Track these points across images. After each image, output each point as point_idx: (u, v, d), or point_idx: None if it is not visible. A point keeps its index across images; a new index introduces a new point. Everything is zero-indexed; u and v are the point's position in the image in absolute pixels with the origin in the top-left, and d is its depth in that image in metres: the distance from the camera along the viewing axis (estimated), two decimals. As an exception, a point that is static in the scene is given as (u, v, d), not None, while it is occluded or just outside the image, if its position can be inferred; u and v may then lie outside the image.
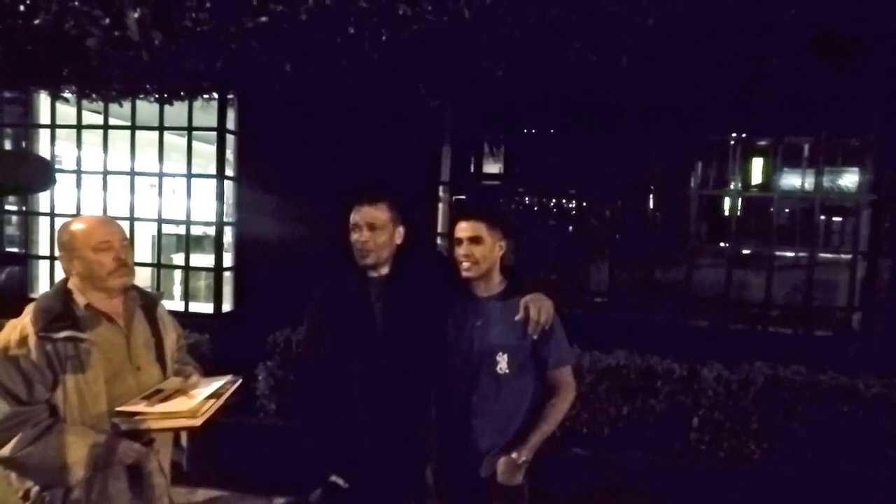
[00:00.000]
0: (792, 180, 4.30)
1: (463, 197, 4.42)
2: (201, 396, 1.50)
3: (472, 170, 4.43)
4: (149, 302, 1.72)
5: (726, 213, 4.31)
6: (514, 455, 1.71)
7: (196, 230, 4.66)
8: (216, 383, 1.62)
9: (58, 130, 4.47)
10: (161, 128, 4.26)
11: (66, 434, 1.44)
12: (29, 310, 1.51)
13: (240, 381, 1.67)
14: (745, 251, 4.42)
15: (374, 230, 1.73)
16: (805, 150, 4.25)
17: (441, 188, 4.28)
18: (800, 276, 4.25)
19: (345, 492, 1.72)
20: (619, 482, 3.14)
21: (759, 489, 3.09)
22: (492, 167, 5.00)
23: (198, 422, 1.41)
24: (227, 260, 4.35)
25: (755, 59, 2.83)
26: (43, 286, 4.60)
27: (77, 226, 1.58)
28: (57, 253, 1.61)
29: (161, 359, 1.67)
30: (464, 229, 1.82)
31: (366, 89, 3.23)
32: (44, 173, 1.65)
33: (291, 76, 2.93)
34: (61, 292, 1.57)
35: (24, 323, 1.48)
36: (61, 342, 1.46)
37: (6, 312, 1.63)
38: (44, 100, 4.49)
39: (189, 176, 4.29)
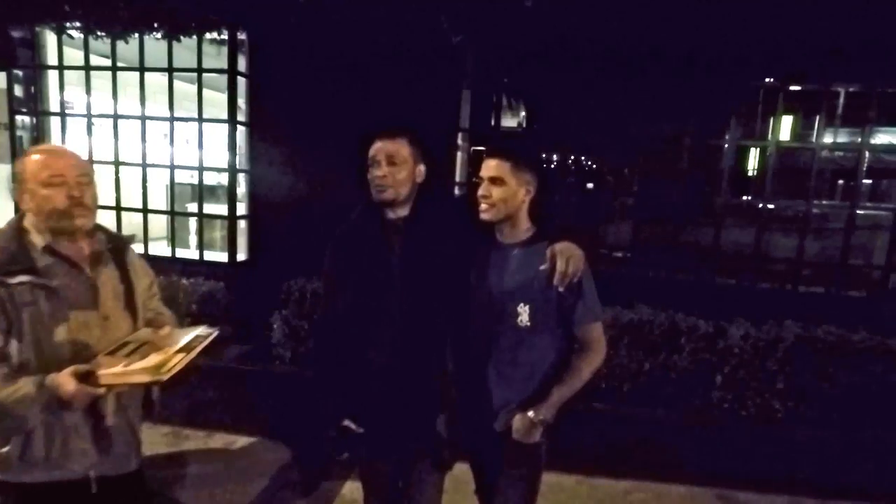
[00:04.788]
0: (833, 134, 4.03)
1: (482, 149, 4.25)
2: (171, 351, 1.36)
3: (492, 122, 4.24)
4: (118, 245, 1.55)
5: (759, 167, 4.09)
6: (531, 413, 1.63)
7: (210, 180, 4.58)
8: (190, 334, 1.48)
9: (67, 76, 4.34)
10: (170, 69, 4.10)
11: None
12: None
13: (215, 333, 1.53)
14: (777, 207, 4.21)
15: (394, 165, 1.62)
16: (841, 99, 3.95)
17: (460, 136, 4.11)
18: (833, 236, 4.06)
19: (357, 436, 1.68)
20: (637, 438, 3.11)
21: (782, 449, 3.03)
22: (510, 121, 4.78)
23: (163, 378, 1.28)
24: (241, 209, 4.28)
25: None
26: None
27: (30, 155, 1.40)
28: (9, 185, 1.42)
29: (131, 307, 1.52)
30: (485, 168, 1.69)
31: (384, 24, 3.02)
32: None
33: (304, 8, 2.73)
34: (15, 230, 1.38)
35: None
36: (16, 288, 1.30)
37: None
38: (51, 40, 4.35)
39: (200, 120, 4.17)
